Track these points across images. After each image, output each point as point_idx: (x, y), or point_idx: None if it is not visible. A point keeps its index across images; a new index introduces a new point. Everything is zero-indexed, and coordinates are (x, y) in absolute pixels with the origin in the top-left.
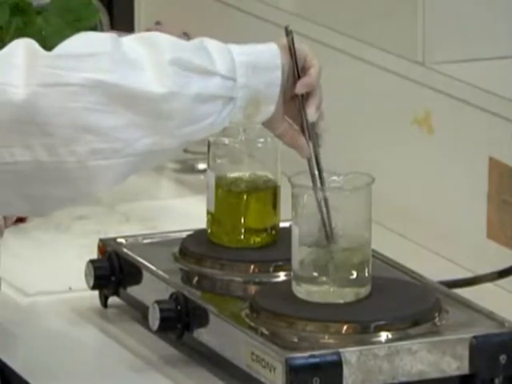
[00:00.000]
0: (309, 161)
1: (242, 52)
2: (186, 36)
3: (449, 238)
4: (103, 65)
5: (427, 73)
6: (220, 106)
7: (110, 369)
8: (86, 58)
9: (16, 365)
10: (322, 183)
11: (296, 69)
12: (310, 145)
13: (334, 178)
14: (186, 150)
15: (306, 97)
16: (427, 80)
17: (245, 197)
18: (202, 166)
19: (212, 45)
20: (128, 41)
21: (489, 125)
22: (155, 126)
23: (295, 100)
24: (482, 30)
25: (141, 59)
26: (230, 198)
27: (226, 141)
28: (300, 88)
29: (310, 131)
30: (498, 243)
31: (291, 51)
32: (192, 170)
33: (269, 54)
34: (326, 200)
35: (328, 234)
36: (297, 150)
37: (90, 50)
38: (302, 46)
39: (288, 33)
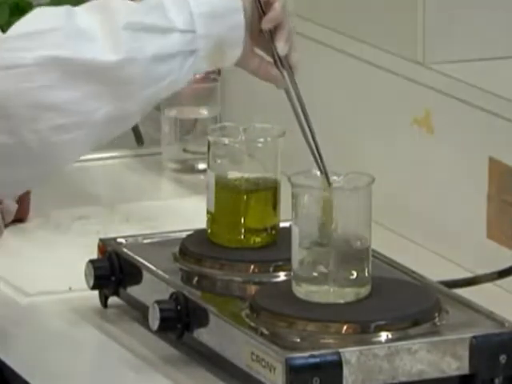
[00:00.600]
0: (286, 92)
1: (200, 2)
2: None
3: (449, 238)
4: (56, 40)
5: (427, 73)
6: (181, 62)
7: (110, 369)
8: (39, 36)
9: (16, 365)
10: (304, 112)
11: (259, 6)
12: (286, 75)
13: (334, 178)
14: (185, 150)
15: (274, 31)
16: (427, 80)
17: (245, 197)
18: (201, 165)
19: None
20: (82, 11)
21: (489, 125)
22: (115, 94)
23: (264, 33)
24: (482, 30)
25: (94, 29)
26: (229, 198)
27: (226, 141)
28: (266, 24)
29: (283, 63)
30: (498, 243)
31: None
32: (192, 169)
33: None
34: (313, 135)
35: (321, 170)
36: (272, 83)
37: (43, 27)
38: None
39: None
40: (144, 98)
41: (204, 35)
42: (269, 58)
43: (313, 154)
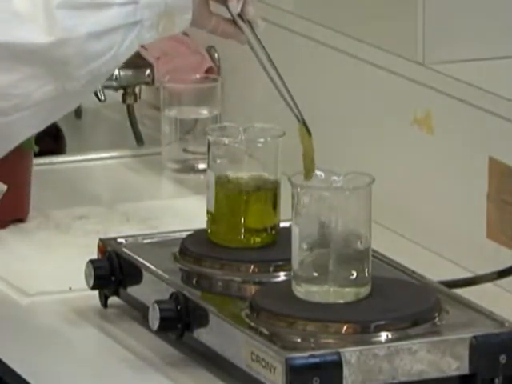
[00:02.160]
0: (250, 47)
1: None
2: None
3: (449, 238)
4: None
5: (427, 73)
6: (121, 36)
7: (110, 369)
8: None
9: (16, 365)
10: (271, 61)
11: None
12: (246, 29)
13: (334, 178)
14: (185, 150)
15: None
16: (427, 80)
17: (245, 197)
18: (202, 165)
19: None
20: None
21: (489, 125)
22: (53, 74)
23: None
24: (482, 30)
25: (29, 10)
26: (229, 198)
27: (226, 141)
28: None
29: (243, 19)
30: (498, 243)
31: None
32: (192, 169)
33: None
34: (285, 85)
35: (298, 118)
36: (233, 39)
37: None
38: None
39: None
40: (84, 75)
41: (147, 4)
42: (228, 15)
43: (287, 103)
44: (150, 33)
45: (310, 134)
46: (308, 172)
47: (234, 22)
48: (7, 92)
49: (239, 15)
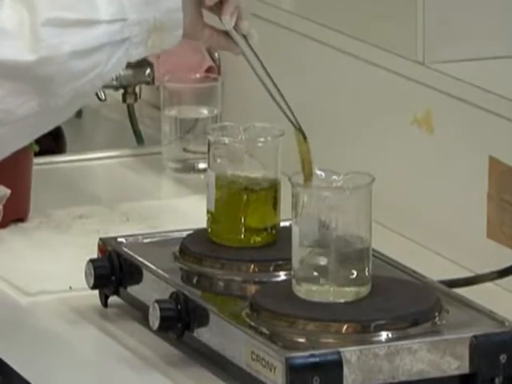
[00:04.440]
0: (244, 56)
1: None
2: None
3: (449, 237)
4: None
5: (427, 73)
6: (108, 54)
7: (110, 369)
8: None
9: (16, 365)
10: (265, 70)
11: None
12: (241, 41)
13: (334, 177)
14: (186, 150)
15: (219, 5)
16: (427, 80)
17: (245, 196)
18: (202, 165)
19: None
20: (7, 7)
21: (489, 125)
22: (37, 90)
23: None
24: (482, 30)
25: (14, 27)
26: (230, 197)
27: (226, 141)
28: (209, 1)
29: (237, 31)
30: (498, 243)
31: None
32: (192, 169)
33: None
34: (281, 94)
35: (294, 125)
36: (227, 51)
37: None
38: None
39: None
40: (68, 93)
41: (137, 21)
42: (222, 26)
43: (282, 110)
44: (138, 50)
45: (305, 138)
46: (307, 177)
47: (227, 33)
48: None
49: (233, 28)
